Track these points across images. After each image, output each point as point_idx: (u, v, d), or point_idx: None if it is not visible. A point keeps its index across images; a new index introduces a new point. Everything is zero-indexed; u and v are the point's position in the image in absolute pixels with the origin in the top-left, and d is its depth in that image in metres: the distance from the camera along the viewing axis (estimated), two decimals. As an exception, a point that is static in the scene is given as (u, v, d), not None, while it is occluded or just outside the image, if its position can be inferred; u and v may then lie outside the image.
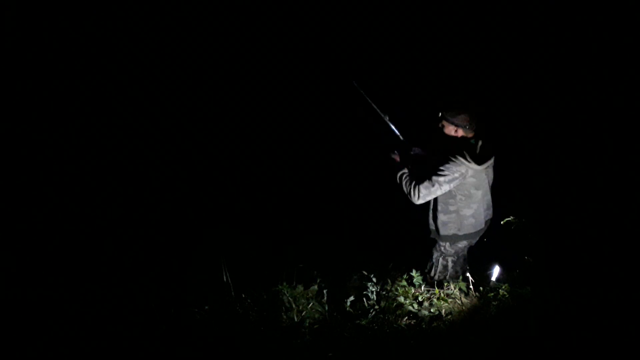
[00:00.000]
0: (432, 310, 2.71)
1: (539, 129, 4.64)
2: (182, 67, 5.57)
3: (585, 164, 4.03)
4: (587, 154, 4.17)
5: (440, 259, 2.98)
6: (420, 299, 2.80)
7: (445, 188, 2.62)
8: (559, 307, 2.47)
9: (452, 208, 2.78)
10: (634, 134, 4.11)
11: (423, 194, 2.62)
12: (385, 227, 4.02)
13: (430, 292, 2.86)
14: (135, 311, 2.72)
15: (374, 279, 2.83)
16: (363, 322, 2.60)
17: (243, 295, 2.80)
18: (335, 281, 2.99)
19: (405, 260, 3.13)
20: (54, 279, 3.17)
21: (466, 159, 2.58)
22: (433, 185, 2.60)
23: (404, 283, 2.89)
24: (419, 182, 2.63)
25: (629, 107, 4.34)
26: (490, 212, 2.92)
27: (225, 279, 2.84)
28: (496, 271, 2.83)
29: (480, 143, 2.69)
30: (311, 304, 2.73)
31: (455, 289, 2.83)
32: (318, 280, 2.89)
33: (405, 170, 2.74)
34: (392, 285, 2.87)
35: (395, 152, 2.83)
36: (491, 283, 2.80)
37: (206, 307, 2.72)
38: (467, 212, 2.77)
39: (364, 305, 2.77)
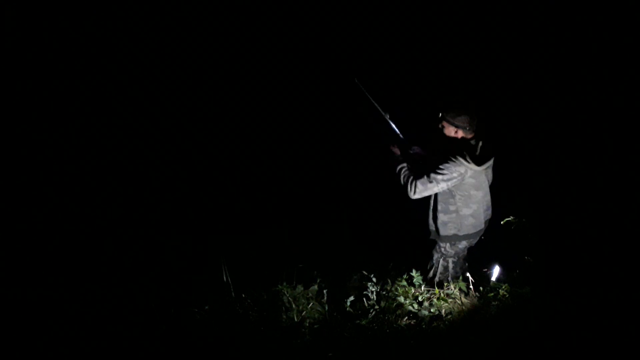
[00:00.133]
0: (432, 310, 2.71)
1: (539, 129, 4.64)
2: (182, 67, 5.57)
3: (585, 164, 4.03)
4: (587, 154, 4.17)
5: (441, 260, 2.97)
6: (420, 299, 2.80)
7: (442, 186, 2.63)
8: (559, 307, 2.47)
9: (452, 208, 2.78)
10: (634, 134, 4.11)
11: (419, 189, 2.63)
12: (385, 227, 4.02)
13: (430, 292, 2.86)
14: (135, 311, 2.72)
15: (374, 279, 2.83)
16: (363, 322, 2.60)
17: (243, 295, 2.80)
18: (335, 281, 2.99)
19: (405, 260, 3.13)
20: (54, 279, 3.18)
21: (466, 160, 2.59)
22: (430, 182, 2.60)
23: (404, 283, 2.89)
24: (416, 177, 2.64)
25: (629, 107, 4.34)
26: (489, 212, 2.92)
27: (225, 279, 2.84)
28: (496, 271, 2.83)
29: (480, 144, 2.69)
30: (311, 304, 2.73)
31: (455, 289, 2.83)
32: (318, 280, 2.89)
33: (405, 164, 2.75)
34: (392, 285, 2.87)
35: (395, 145, 2.84)
36: (491, 283, 2.80)
37: (206, 307, 2.72)
38: (467, 212, 2.77)
39: (364, 305, 2.77)
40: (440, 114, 2.68)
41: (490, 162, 2.74)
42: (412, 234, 3.40)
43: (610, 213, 3.30)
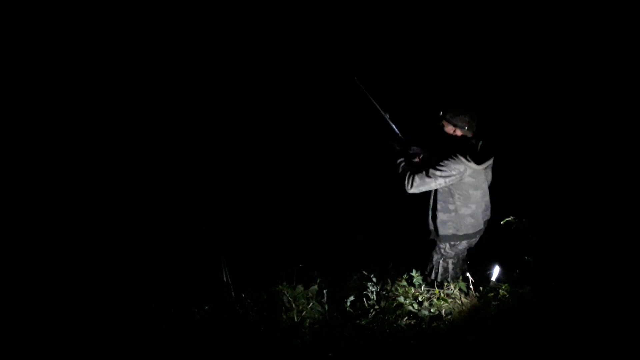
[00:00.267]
0: (432, 310, 2.71)
1: (539, 129, 4.65)
2: (182, 67, 5.57)
3: (585, 164, 4.03)
4: (587, 154, 4.17)
5: (441, 262, 2.97)
6: (420, 299, 2.80)
7: (440, 182, 2.63)
8: (559, 307, 2.47)
9: (451, 207, 2.78)
10: (634, 134, 4.11)
11: (417, 184, 2.63)
12: (385, 227, 4.02)
13: (430, 292, 2.85)
14: (135, 311, 2.72)
15: (374, 279, 2.83)
16: (363, 322, 2.60)
17: (243, 295, 2.80)
18: (335, 281, 2.99)
19: (405, 260, 3.13)
20: (54, 279, 3.17)
21: (465, 158, 2.59)
22: (429, 177, 2.61)
23: (404, 283, 2.89)
24: (415, 171, 2.64)
25: (629, 107, 4.34)
26: (488, 213, 2.92)
27: (225, 279, 2.84)
28: (496, 271, 2.83)
29: (480, 143, 2.70)
30: (311, 304, 2.73)
31: (455, 289, 2.83)
32: (318, 280, 2.88)
33: (404, 159, 2.75)
34: (392, 285, 2.87)
35: (395, 144, 2.84)
36: (491, 283, 2.80)
37: (206, 307, 2.71)
38: (466, 211, 2.77)
39: (364, 305, 2.77)
40: (440, 114, 2.68)
41: (490, 162, 2.74)
42: (412, 234, 3.40)
43: (610, 213, 3.30)
